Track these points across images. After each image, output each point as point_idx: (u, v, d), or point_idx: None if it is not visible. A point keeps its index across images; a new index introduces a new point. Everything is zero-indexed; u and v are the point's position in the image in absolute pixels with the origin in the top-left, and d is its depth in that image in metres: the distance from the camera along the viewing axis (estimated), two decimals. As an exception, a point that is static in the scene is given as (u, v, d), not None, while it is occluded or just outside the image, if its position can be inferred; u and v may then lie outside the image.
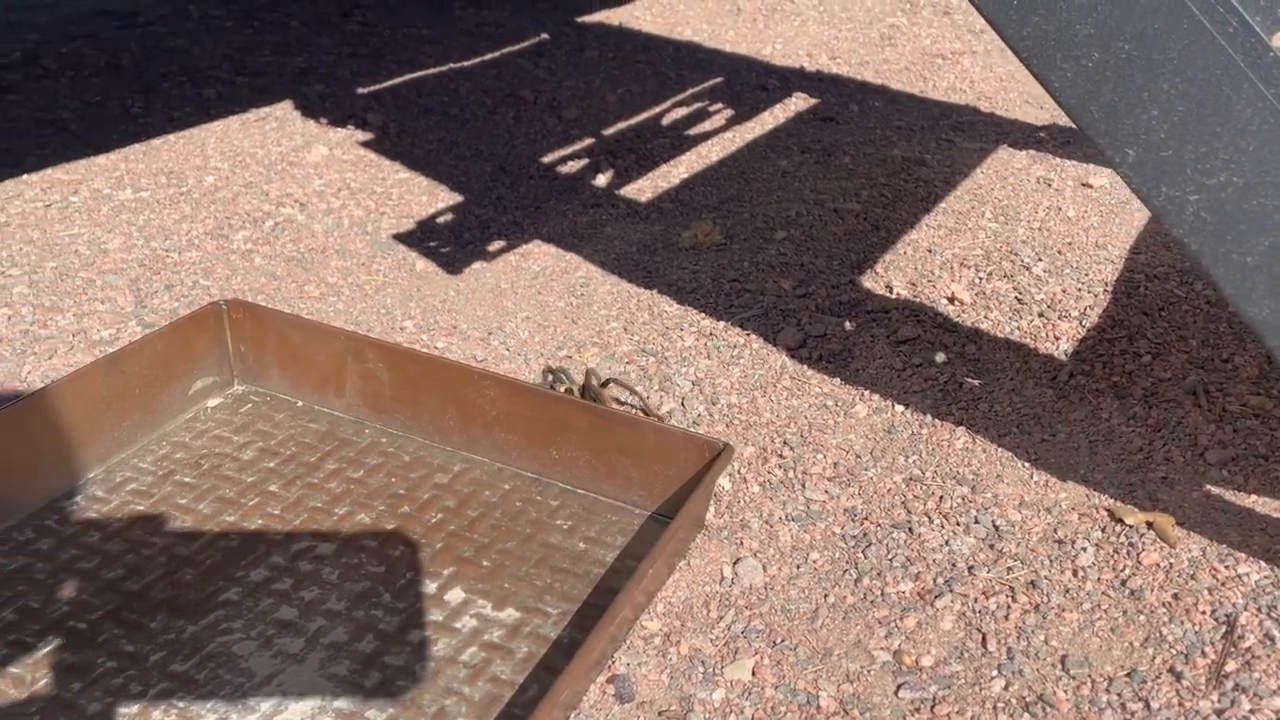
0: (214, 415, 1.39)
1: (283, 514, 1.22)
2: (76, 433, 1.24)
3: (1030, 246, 1.91)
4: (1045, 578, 1.15)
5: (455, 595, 1.11)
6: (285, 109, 2.68)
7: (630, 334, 1.67)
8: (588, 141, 2.55)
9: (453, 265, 1.93)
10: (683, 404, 1.47)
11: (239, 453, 1.32)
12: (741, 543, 1.20)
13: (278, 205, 2.13)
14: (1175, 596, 1.12)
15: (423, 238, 2.04)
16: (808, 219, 2.06)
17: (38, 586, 1.09)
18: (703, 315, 1.71)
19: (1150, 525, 1.21)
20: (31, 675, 0.99)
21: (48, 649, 1.02)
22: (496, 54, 3.24)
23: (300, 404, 1.42)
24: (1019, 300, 1.73)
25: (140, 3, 3.73)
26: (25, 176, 2.21)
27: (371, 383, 1.37)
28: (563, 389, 1.41)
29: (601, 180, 2.31)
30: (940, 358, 1.56)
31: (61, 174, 2.24)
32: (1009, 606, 1.11)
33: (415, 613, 1.09)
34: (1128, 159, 0.95)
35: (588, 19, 3.66)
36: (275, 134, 2.51)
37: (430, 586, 1.13)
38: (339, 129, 2.55)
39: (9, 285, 1.77)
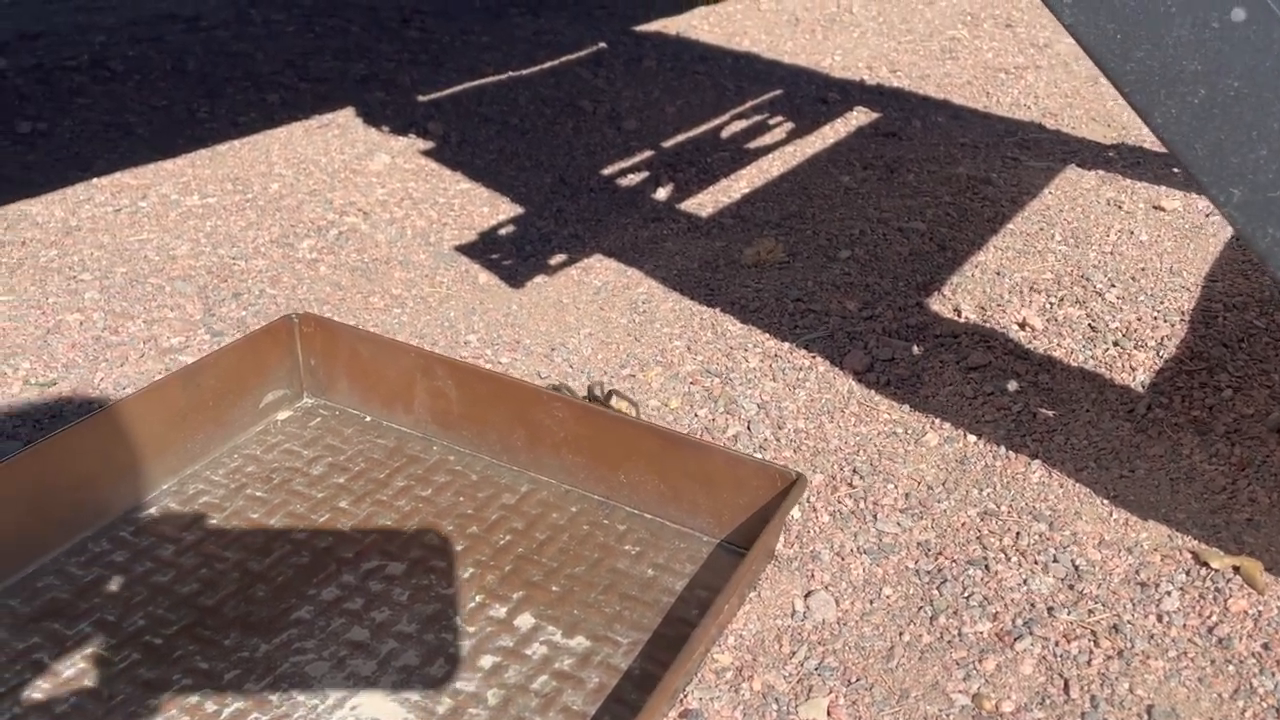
0: (284, 428, 1.40)
1: (353, 531, 1.22)
2: (152, 444, 1.25)
3: (1102, 271, 1.87)
4: (1128, 622, 1.12)
5: (525, 620, 1.11)
6: (347, 116, 2.70)
7: (694, 353, 1.65)
8: (647, 154, 2.54)
9: (515, 279, 1.93)
10: (748, 428, 1.46)
11: (309, 467, 1.32)
12: (813, 575, 1.19)
13: (341, 214, 2.14)
14: (1265, 646, 1.09)
15: (485, 250, 2.04)
16: (872, 238, 2.03)
17: (114, 600, 1.10)
18: (767, 336, 1.69)
19: (1237, 570, 1.17)
20: (109, 690, 1.00)
21: (125, 664, 1.03)
22: (555, 63, 3.24)
23: (369, 419, 1.42)
24: (1092, 328, 1.69)
25: (203, 7, 3.79)
26: (95, 180, 2.25)
27: (440, 400, 1.37)
28: None
29: (662, 194, 2.30)
30: (1012, 386, 1.53)
31: (130, 178, 2.27)
32: (1091, 651, 1.08)
33: (486, 637, 1.08)
34: (1233, 198, 0.92)
35: (645, 28, 3.66)
36: (338, 141, 2.53)
37: (500, 611, 1.12)
38: (400, 137, 2.57)
39: (80, 290, 1.80)
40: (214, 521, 1.22)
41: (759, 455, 1.37)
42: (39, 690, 0.99)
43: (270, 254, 1.97)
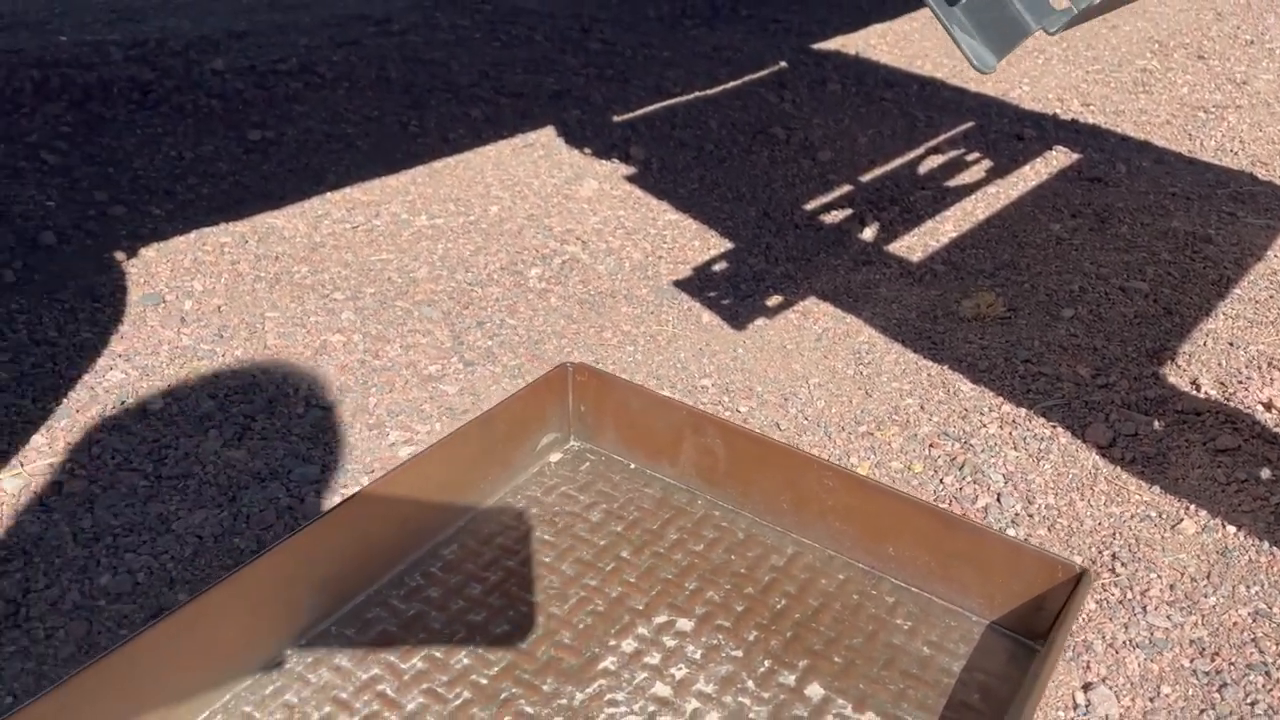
0: (557, 471, 1.48)
1: (638, 582, 1.30)
2: (454, 484, 1.35)
3: (1343, 349, 1.83)
4: None
5: (814, 690, 1.17)
6: (549, 135, 2.79)
7: (928, 413, 1.69)
8: (846, 189, 2.57)
9: (736, 320, 1.99)
10: (998, 500, 1.49)
11: (586, 513, 1.41)
12: (1088, 666, 1.22)
13: (562, 242, 2.23)
14: None
15: (702, 286, 2.10)
16: (1093, 296, 2.02)
17: (437, 636, 1.20)
18: (1001, 399, 1.71)
19: None
20: (449, 727, 1.09)
21: (458, 701, 1.12)
22: (738, 82, 3.28)
23: (633, 466, 1.50)
24: (1340, 413, 1.66)
25: (392, 8, 3.94)
26: (329, 195, 2.38)
27: (707, 456, 1.43)
28: None
29: (868, 234, 2.33)
30: (1265, 474, 1.52)
31: (360, 194, 2.40)
32: (1387, 774, 1.09)
33: (780, 704, 1.15)
34: None
35: (824, 46, 3.66)
36: (545, 163, 2.62)
37: (789, 678, 1.18)
38: (603, 161, 2.64)
39: (336, 309, 1.93)
40: (511, 564, 1.31)
41: (1012, 531, 1.40)
42: (388, 722, 1.10)
43: (502, 281, 2.06)
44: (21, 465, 1.44)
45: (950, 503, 1.48)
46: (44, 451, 1.48)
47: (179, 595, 1.25)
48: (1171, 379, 1.76)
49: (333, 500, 1.43)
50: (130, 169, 2.42)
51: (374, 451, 1.54)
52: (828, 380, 1.79)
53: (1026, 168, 2.64)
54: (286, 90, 3.01)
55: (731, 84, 3.26)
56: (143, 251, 2.07)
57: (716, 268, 2.17)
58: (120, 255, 2.04)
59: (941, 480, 1.53)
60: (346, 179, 2.46)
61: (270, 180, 2.43)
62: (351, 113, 2.88)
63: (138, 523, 1.35)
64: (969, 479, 1.53)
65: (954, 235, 2.31)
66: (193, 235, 2.14)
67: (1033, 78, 3.37)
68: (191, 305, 1.90)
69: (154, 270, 2.00)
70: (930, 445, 1.61)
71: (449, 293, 2.00)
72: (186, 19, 3.76)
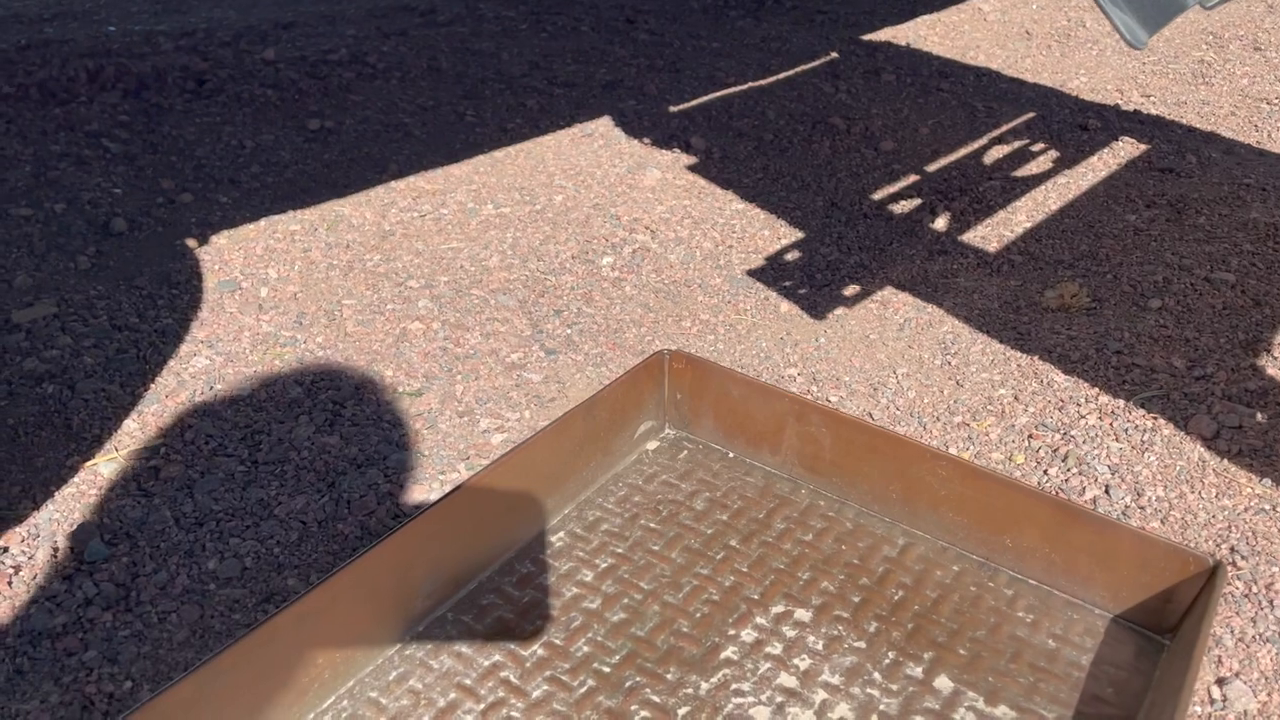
0: (656, 459, 1.46)
1: (750, 572, 1.27)
2: (559, 472, 1.32)
3: None
4: None
5: (943, 683, 1.14)
6: (606, 125, 2.77)
7: (1023, 404, 1.66)
8: (912, 179, 2.53)
9: (815, 309, 1.96)
10: (1106, 492, 1.46)
11: (690, 501, 1.38)
12: (1220, 661, 1.18)
13: (630, 231, 2.21)
14: None
15: (776, 276, 2.08)
16: (1179, 287, 1.99)
17: (555, 624, 1.18)
18: (1097, 390, 1.68)
19: None
20: (577, 715, 1.07)
21: (583, 689, 1.10)
22: (791, 73, 3.25)
23: (732, 455, 1.47)
24: None
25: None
26: (393, 183, 2.36)
27: (810, 445, 1.41)
28: None
29: (940, 224, 2.29)
30: (1378, 467, 1.49)
31: (424, 182, 2.38)
32: None
33: (910, 697, 1.12)
34: None
35: (874, 37, 3.63)
36: (605, 153, 2.59)
37: (916, 670, 1.15)
38: (664, 151, 2.62)
39: (412, 297, 1.90)
40: (619, 550, 1.29)
41: (1131, 523, 1.37)
42: (515, 710, 1.07)
43: (575, 270, 2.04)
44: (116, 450, 1.43)
45: (1057, 495, 1.45)
46: (136, 436, 1.46)
47: (288, 580, 1.23)
48: (1270, 371, 1.72)
49: (432, 487, 1.41)
50: (193, 157, 2.41)
51: (467, 439, 1.52)
52: (915, 370, 1.76)
53: (1094, 158, 2.60)
54: (340, 80, 2.99)
55: (784, 74, 3.23)
56: (214, 239, 2.05)
57: (789, 257, 2.14)
58: (192, 242, 2.02)
59: (1046, 471, 1.50)
60: (409, 168, 2.44)
61: (333, 169, 2.41)
62: (406, 102, 2.86)
63: (239, 508, 1.33)
64: (1074, 470, 1.50)
65: (1028, 225, 2.28)
66: (262, 223, 2.13)
67: (1089, 69, 3.32)
68: (268, 292, 1.88)
69: (227, 257, 1.99)
70: (1030, 436, 1.57)
71: (523, 281, 1.98)
72: (232, 9, 3.75)
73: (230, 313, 1.81)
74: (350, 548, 1.29)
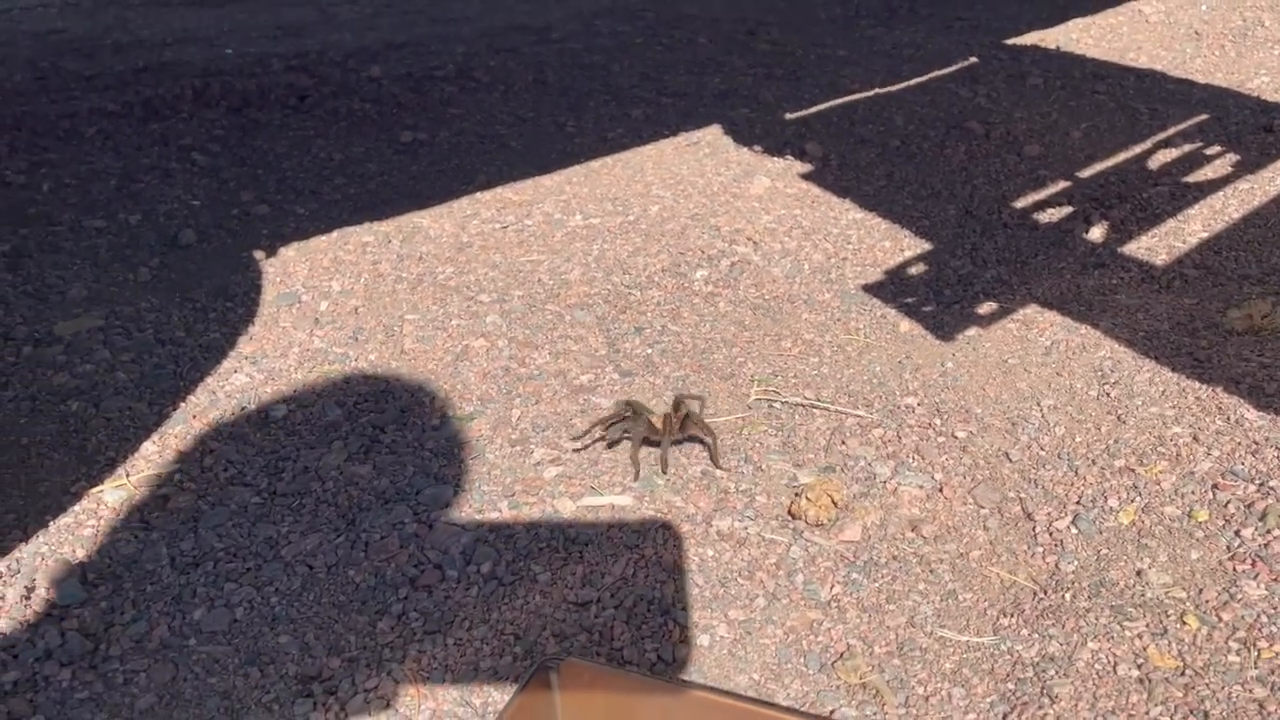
0: None
1: None
2: None
3: None
4: None
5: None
6: (714, 134, 2.55)
7: (1204, 445, 1.32)
8: (1062, 185, 2.20)
9: (941, 329, 1.67)
10: (1324, 563, 1.11)
11: None
12: None
13: (730, 243, 1.97)
14: None
15: (896, 292, 1.79)
16: (1407, 307, 1.60)
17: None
18: (1303, 431, 1.33)
19: None
20: None
21: None
22: (923, 78, 2.95)
23: None
24: None
25: (552, 18, 3.81)
26: (479, 195, 2.20)
27: None
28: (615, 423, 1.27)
29: (1096, 234, 1.96)
30: None
31: (511, 193, 2.21)
32: None
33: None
34: None
35: (1018, 41, 3.29)
36: (710, 161, 2.37)
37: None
38: (776, 159, 2.37)
39: (481, 313, 1.72)
40: None
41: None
42: None
43: (663, 284, 1.81)
44: (127, 476, 1.28)
45: (1254, 563, 1.12)
46: (153, 460, 1.31)
47: (280, 638, 1.03)
48: None
49: (465, 529, 1.20)
50: (279, 170, 2.32)
51: (515, 471, 1.31)
52: (1065, 402, 1.45)
53: (1285, 161, 2.21)
54: (441, 94, 2.88)
55: (916, 80, 2.94)
56: (282, 251, 1.93)
57: (913, 270, 1.86)
58: (259, 254, 1.90)
59: (1237, 533, 1.17)
60: (498, 179, 2.28)
61: (419, 180, 2.28)
62: (506, 114, 2.72)
63: (243, 546, 1.15)
64: (1276, 532, 1.16)
65: (1204, 236, 1.92)
66: (335, 234, 1.99)
67: (1270, 69, 2.90)
68: (328, 306, 1.73)
69: (291, 269, 1.86)
70: (1214, 486, 1.24)
71: (604, 296, 1.76)
72: (349, 33, 3.72)
73: (283, 327, 1.66)
74: (361, 599, 1.09)
